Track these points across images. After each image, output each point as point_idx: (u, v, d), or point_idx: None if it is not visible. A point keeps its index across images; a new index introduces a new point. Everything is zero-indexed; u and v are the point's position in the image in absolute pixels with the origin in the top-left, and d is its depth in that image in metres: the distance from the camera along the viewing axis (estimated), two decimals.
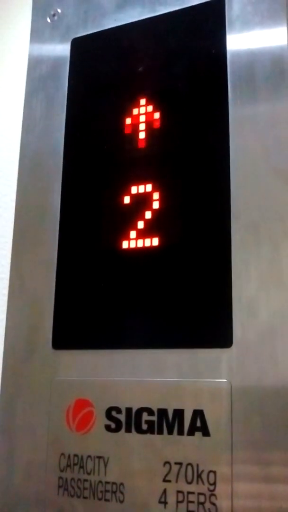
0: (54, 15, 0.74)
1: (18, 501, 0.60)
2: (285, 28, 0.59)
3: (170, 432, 0.55)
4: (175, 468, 0.54)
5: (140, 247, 0.61)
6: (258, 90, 0.59)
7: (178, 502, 0.53)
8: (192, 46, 0.64)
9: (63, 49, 0.72)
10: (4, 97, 0.77)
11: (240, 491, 0.51)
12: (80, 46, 0.71)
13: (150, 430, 0.56)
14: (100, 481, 0.57)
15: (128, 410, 0.57)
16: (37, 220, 0.67)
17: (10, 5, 0.81)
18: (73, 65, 0.71)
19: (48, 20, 0.74)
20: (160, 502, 0.54)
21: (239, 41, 0.61)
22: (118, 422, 0.57)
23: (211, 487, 0.52)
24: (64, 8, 0.74)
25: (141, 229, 0.61)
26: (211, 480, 0.52)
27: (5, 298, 0.66)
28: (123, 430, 0.57)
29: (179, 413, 0.55)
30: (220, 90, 0.61)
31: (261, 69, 0.59)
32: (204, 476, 0.53)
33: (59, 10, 0.74)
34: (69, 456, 0.59)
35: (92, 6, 0.72)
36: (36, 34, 0.75)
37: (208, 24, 0.64)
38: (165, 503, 0.54)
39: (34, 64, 0.74)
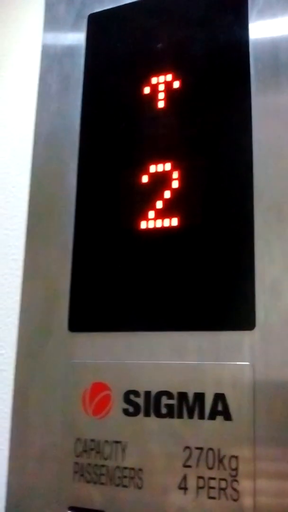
0: None
1: (32, 487, 0.59)
2: None
3: (190, 416, 0.54)
4: (195, 453, 0.53)
5: (159, 228, 0.59)
6: (280, 66, 0.57)
7: (198, 487, 0.52)
8: (212, 24, 0.62)
9: (79, 26, 0.70)
10: (18, 74, 0.75)
11: (263, 476, 0.50)
12: (96, 22, 0.69)
13: (170, 414, 0.54)
14: (118, 467, 0.56)
15: (147, 393, 0.56)
16: (52, 200, 0.66)
17: None
18: (90, 42, 0.69)
19: None
20: (180, 488, 0.52)
21: (262, 21, 0.59)
22: (136, 406, 0.56)
23: (233, 472, 0.51)
24: None
25: (160, 209, 0.60)
26: (233, 465, 0.51)
27: (19, 280, 0.65)
28: (141, 414, 0.56)
29: (199, 397, 0.54)
30: (242, 66, 0.59)
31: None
32: (225, 461, 0.51)
33: None
34: (85, 441, 0.58)
35: None
36: (51, 10, 0.73)
37: (230, 2, 0.62)
38: (185, 488, 0.52)
39: (49, 41, 0.72)
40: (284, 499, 0.48)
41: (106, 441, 0.56)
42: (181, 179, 0.59)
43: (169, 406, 0.55)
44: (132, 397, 0.56)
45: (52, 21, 0.72)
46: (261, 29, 0.59)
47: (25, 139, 0.70)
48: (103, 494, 0.56)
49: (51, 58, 0.71)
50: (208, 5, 0.63)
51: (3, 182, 0.72)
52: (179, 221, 0.58)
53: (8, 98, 0.75)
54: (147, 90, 0.63)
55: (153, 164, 0.61)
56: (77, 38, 0.70)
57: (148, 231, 0.59)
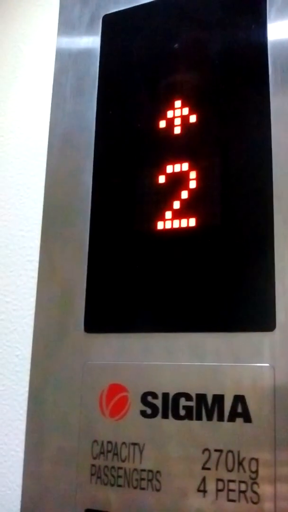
0: None
1: (48, 490, 0.58)
2: None
3: (209, 418, 0.53)
4: (214, 455, 0.52)
5: (176, 228, 0.59)
6: None
7: (218, 490, 0.51)
8: (230, 24, 0.62)
9: (94, 27, 0.70)
10: (33, 76, 0.75)
11: (283, 479, 0.49)
12: (111, 22, 0.69)
13: (188, 416, 0.54)
14: (136, 469, 0.55)
15: (165, 395, 0.55)
16: (67, 201, 0.65)
17: None
18: (105, 43, 0.69)
19: None
20: (199, 490, 0.52)
21: (281, 21, 0.59)
22: (154, 407, 0.55)
23: (253, 475, 0.50)
24: None
25: (177, 210, 0.59)
26: (253, 468, 0.50)
27: (35, 281, 0.65)
28: (159, 416, 0.55)
29: (219, 399, 0.53)
30: (261, 67, 0.59)
31: None
32: (245, 463, 0.51)
33: None
34: (102, 443, 0.57)
35: None
36: (65, 12, 0.73)
37: (248, 1, 0.62)
38: (204, 491, 0.52)
39: (64, 42, 0.72)
40: None
41: (124, 443, 0.56)
42: (198, 179, 0.59)
43: (187, 408, 0.54)
44: (149, 398, 0.56)
45: (66, 22, 0.72)
46: (279, 29, 0.59)
47: (40, 140, 0.70)
48: (121, 496, 0.55)
49: (66, 59, 0.70)
50: (225, 5, 0.62)
51: (18, 183, 0.72)
52: (197, 222, 0.58)
53: (23, 99, 0.75)
54: (164, 90, 0.63)
55: (170, 164, 0.60)
56: (92, 38, 0.69)
57: (165, 231, 0.59)
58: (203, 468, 0.52)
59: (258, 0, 0.60)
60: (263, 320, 0.53)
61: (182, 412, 0.54)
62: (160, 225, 0.60)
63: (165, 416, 0.55)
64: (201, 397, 0.54)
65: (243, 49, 0.60)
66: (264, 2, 0.60)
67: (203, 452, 0.53)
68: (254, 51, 0.59)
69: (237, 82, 0.60)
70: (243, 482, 0.50)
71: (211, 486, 0.52)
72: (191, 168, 0.60)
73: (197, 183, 0.59)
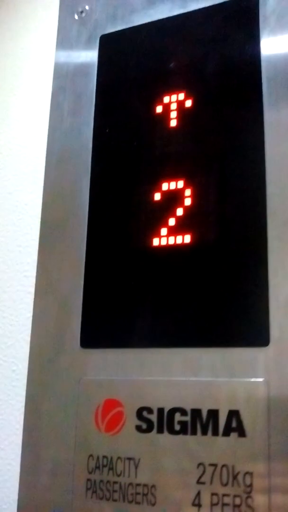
0: (81, 12, 0.73)
1: (44, 504, 0.58)
2: None
3: (204, 432, 0.53)
4: (209, 469, 0.52)
5: (172, 245, 0.59)
6: None
7: (212, 504, 0.52)
8: (224, 44, 0.63)
9: (91, 46, 0.71)
10: (30, 93, 0.76)
11: (278, 492, 0.50)
12: (108, 42, 0.70)
13: (183, 431, 0.54)
14: (131, 483, 0.55)
15: (160, 410, 0.56)
16: (64, 217, 0.66)
17: (37, 2, 0.80)
18: (102, 62, 0.70)
19: (76, 17, 0.73)
20: (193, 504, 0.52)
21: (274, 39, 0.60)
22: (149, 422, 0.56)
23: (248, 489, 0.50)
24: (92, 4, 0.73)
25: (172, 227, 0.60)
26: (248, 482, 0.51)
27: (32, 297, 0.65)
28: (154, 430, 0.55)
29: (213, 414, 0.54)
30: (255, 83, 0.60)
31: None
32: (240, 477, 0.51)
33: (86, 7, 0.73)
34: (98, 458, 0.57)
35: (121, 2, 0.71)
36: (64, 31, 0.74)
37: (241, 21, 0.63)
38: (199, 505, 0.52)
39: (62, 60, 0.73)
40: None
41: (119, 458, 0.56)
42: (194, 196, 0.60)
43: (182, 423, 0.55)
44: (145, 413, 0.56)
45: (64, 41, 0.73)
46: (273, 46, 0.60)
47: (38, 157, 0.71)
48: (116, 510, 0.55)
49: (64, 77, 0.71)
50: (219, 24, 0.64)
51: (15, 199, 0.72)
52: (192, 238, 0.59)
53: (21, 117, 0.76)
54: (159, 108, 0.64)
55: (166, 181, 0.61)
56: (90, 57, 0.70)
57: (160, 248, 0.60)
58: (198, 482, 0.52)
59: (251, 18, 0.61)
60: (257, 335, 0.53)
61: (177, 427, 0.55)
62: (155, 242, 0.60)
63: (160, 431, 0.55)
64: (196, 412, 0.54)
65: (237, 65, 0.62)
66: (257, 20, 0.61)
67: (197, 467, 0.53)
68: (248, 67, 0.61)
69: (231, 98, 0.61)
70: (238, 496, 0.51)
71: (205, 500, 0.52)
72: (186, 185, 0.61)
73: (192, 201, 0.60)
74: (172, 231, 0.60)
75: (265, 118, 0.58)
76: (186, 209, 0.60)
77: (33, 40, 0.78)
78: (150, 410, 0.56)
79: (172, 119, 0.63)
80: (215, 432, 0.53)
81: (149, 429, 0.56)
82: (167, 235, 0.60)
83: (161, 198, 0.61)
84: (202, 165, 0.61)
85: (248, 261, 0.56)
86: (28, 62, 0.78)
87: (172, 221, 0.60)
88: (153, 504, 0.54)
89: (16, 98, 0.77)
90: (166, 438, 0.55)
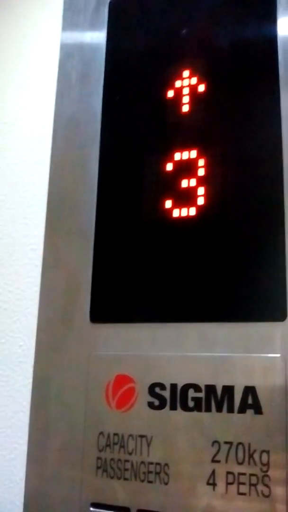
0: None
1: (53, 483, 0.57)
2: None
3: (219, 409, 0.52)
4: (224, 447, 0.51)
5: (185, 216, 0.57)
6: None
7: (228, 483, 0.50)
8: (239, 15, 0.61)
9: (100, 13, 0.68)
10: (37, 61, 0.73)
11: None
12: (118, 9, 0.68)
13: (197, 408, 0.53)
14: (143, 462, 0.54)
15: (173, 386, 0.54)
16: (72, 189, 0.64)
17: None
18: (111, 28, 0.67)
19: None
20: (208, 483, 0.51)
21: None
22: (162, 399, 0.54)
23: (264, 468, 0.49)
24: None
25: (186, 198, 0.58)
26: (264, 461, 0.49)
27: (39, 270, 0.63)
28: (167, 407, 0.54)
29: (228, 390, 0.52)
30: (270, 60, 0.57)
31: None
32: (256, 456, 0.50)
33: None
34: (108, 435, 0.56)
35: None
36: None
37: None
38: (213, 484, 0.51)
39: (69, 28, 0.70)
40: None
41: (131, 435, 0.55)
42: (207, 167, 0.58)
43: (196, 399, 0.53)
44: (157, 390, 0.55)
45: (72, 8, 0.71)
46: None
47: (44, 126, 0.69)
48: (128, 490, 0.54)
49: (71, 45, 0.69)
50: None
51: (21, 170, 0.70)
52: (206, 210, 0.57)
53: (27, 85, 0.74)
54: (171, 78, 0.61)
55: (178, 151, 0.59)
56: (98, 25, 0.68)
57: (173, 220, 0.58)
58: (213, 461, 0.51)
59: None
60: (274, 310, 0.52)
61: (191, 404, 0.53)
62: (168, 214, 0.58)
63: (173, 407, 0.54)
64: (210, 388, 0.53)
65: (253, 43, 0.59)
66: None
67: (212, 445, 0.51)
68: (264, 46, 0.58)
69: (247, 74, 0.59)
70: (254, 475, 0.49)
71: (221, 479, 0.51)
72: (199, 155, 0.59)
73: (206, 171, 0.58)
74: (186, 203, 0.58)
75: (282, 93, 0.56)
76: (200, 180, 0.58)
77: (40, 7, 0.76)
78: (162, 386, 0.55)
79: (185, 87, 0.61)
80: (231, 409, 0.52)
81: (161, 406, 0.54)
82: (180, 207, 0.58)
83: (173, 168, 0.59)
84: (216, 135, 0.59)
85: (264, 234, 0.54)
86: (35, 29, 0.75)
87: (186, 193, 0.58)
88: (166, 483, 0.52)
89: (21, 65, 0.75)
90: (179, 415, 0.53)
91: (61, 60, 0.70)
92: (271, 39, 0.58)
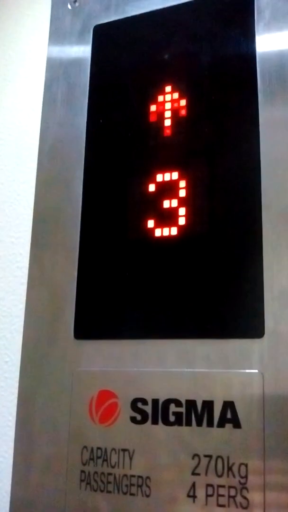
0: (75, 1, 0.72)
1: (38, 496, 0.58)
2: None
3: (199, 424, 0.53)
4: (204, 460, 0.52)
5: (166, 236, 0.59)
6: None
7: (207, 495, 0.52)
8: (218, 35, 0.63)
9: (85, 37, 0.70)
10: (23, 84, 0.75)
11: (273, 484, 0.50)
12: (102, 33, 0.70)
13: (178, 422, 0.54)
14: (125, 475, 0.55)
15: (155, 401, 0.56)
16: (57, 208, 0.66)
17: None
18: (96, 52, 0.69)
19: (69, 6, 0.73)
20: (188, 496, 0.52)
21: (269, 33, 0.60)
22: (144, 413, 0.56)
23: (243, 480, 0.51)
24: None
25: (167, 218, 0.60)
26: (243, 473, 0.51)
27: (24, 288, 0.65)
28: (149, 422, 0.55)
29: (208, 405, 0.54)
30: (250, 78, 0.60)
31: None
32: (235, 469, 0.51)
33: None
34: (92, 449, 0.57)
35: None
36: (57, 21, 0.73)
37: (236, 13, 0.63)
38: (194, 497, 0.52)
39: (55, 50, 0.72)
40: None
41: (113, 449, 0.56)
42: (188, 188, 0.60)
43: (177, 414, 0.54)
44: (139, 405, 0.56)
45: (57, 32, 0.73)
46: (268, 42, 0.60)
47: (31, 147, 0.70)
48: (110, 502, 0.55)
49: (57, 68, 0.71)
50: (214, 18, 0.63)
51: (8, 190, 0.72)
52: (186, 230, 0.58)
53: (14, 107, 0.75)
54: (153, 101, 0.63)
55: (160, 173, 0.61)
56: (83, 48, 0.70)
57: (155, 239, 0.60)
58: (193, 473, 0.53)
59: (246, 15, 0.61)
60: (252, 327, 0.54)
61: (172, 418, 0.55)
62: (150, 233, 0.60)
63: (155, 422, 0.55)
64: (191, 403, 0.54)
65: (233, 61, 0.61)
66: (252, 16, 0.61)
67: (192, 458, 0.53)
68: (244, 63, 0.60)
69: (226, 93, 0.61)
70: (233, 487, 0.51)
71: (200, 492, 0.52)
72: (180, 177, 0.60)
73: (187, 192, 0.60)
74: (167, 223, 0.59)
75: (260, 112, 0.58)
76: (181, 200, 0.60)
77: (26, 30, 0.78)
78: (144, 401, 0.56)
79: (166, 110, 0.63)
80: (210, 423, 0.53)
81: (143, 420, 0.56)
82: (161, 226, 0.60)
83: (156, 189, 0.61)
84: (197, 156, 0.61)
85: (243, 253, 0.56)
86: (21, 52, 0.77)
87: (166, 213, 0.60)
88: (148, 496, 0.54)
89: (8, 87, 0.76)
90: (160, 429, 0.55)
91: (47, 82, 0.72)
92: (250, 56, 0.60)
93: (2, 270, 0.69)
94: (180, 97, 0.63)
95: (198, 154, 0.61)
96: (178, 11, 0.66)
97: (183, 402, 0.55)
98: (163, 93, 0.64)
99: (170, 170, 0.61)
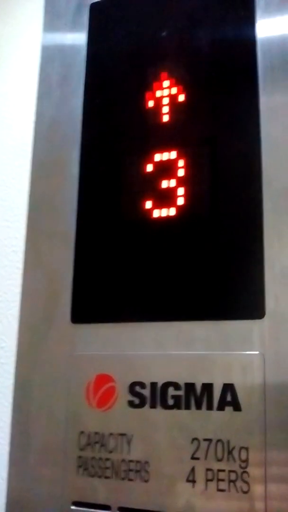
0: None
1: (35, 482, 0.57)
2: None
3: (198, 407, 0.52)
4: (204, 444, 0.51)
5: (165, 217, 0.58)
6: None
7: (207, 480, 0.51)
8: (218, 18, 0.62)
9: (81, 15, 0.69)
10: (18, 64, 0.74)
11: (274, 468, 0.49)
12: (99, 11, 0.69)
13: (177, 406, 0.53)
14: (123, 460, 0.54)
15: (153, 385, 0.55)
16: (53, 191, 0.64)
17: None
18: (92, 31, 0.68)
19: None
20: (188, 480, 0.51)
21: (269, 18, 0.59)
22: (142, 397, 0.55)
23: (243, 464, 0.50)
24: None
25: (165, 198, 0.58)
26: (243, 457, 0.50)
27: (20, 272, 0.64)
28: (147, 405, 0.54)
29: (208, 387, 0.53)
30: (250, 61, 0.58)
31: None
32: (235, 453, 0.50)
33: None
34: (89, 434, 0.56)
35: None
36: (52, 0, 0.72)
37: None
38: (193, 481, 0.51)
39: (50, 30, 0.71)
40: None
41: (111, 434, 0.55)
42: (187, 167, 0.58)
43: (176, 397, 0.53)
44: (137, 388, 0.55)
45: (53, 11, 0.71)
46: (268, 26, 0.58)
47: (25, 129, 0.69)
48: (108, 488, 0.54)
49: (52, 47, 0.70)
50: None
51: (3, 173, 0.71)
52: (185, 209, 0.57)
53: (8, 88, 0.74)
54: (151, 81, 0.62)
55: (158, 152, 0.60)
56: (79, 26, 0.68)
57: (153, 220, 0.58)
58: (192, 458, 0.52)
59: None
60: (252, 307, 0.52)
61: (170, 402, 0.54)
62: (148, 214, 0.59)
63: (153, 406, 0.54)
64: (190, 386, 0.53)
65: (232, 43, 0.60)
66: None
67: (192, 442, 0.52)
68: (243, 46, 0.59)
69: (226, 74, 0.60)
70: (233, 471, 0.50)
71: (200, 476, 0.51)
72: (179, 156, 0.59)
73: (185, 172, 0.58)
74: (165, 203, 0.58)
75: (261, 95, 0.57)
76: (180, 180, 0.59)
77: (20, 10, 0.76)
78: (142, 385, 0.55)
79: (165, 88, 0.61)
80: (210, 406, 0.52)
81: (141, 404, 0.55)
82: (160, 207, 0.58)
83: (154, 169, 0.60)
84: (196, 136, 0.60)
85: (243, 233, 0.55)
86: (16, 31, 0.76)
87: (165, 193, 0.59)
88: (146, 481, 0.53)
89: (2, 69, 0.75)
90: (159, 413, 0.54)
91: (42, 63, 0.70)
92: (250, 41, 0.59)
93: None
94: (178, 78, 0.61)
95: (197, 133, 0.60)
96: None
97: (182, 385, 0.53)
98: (161, 73, 0.63)
99: (168, 149, 0.59)
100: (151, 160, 0.60)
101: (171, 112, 0.61)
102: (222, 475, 0.50)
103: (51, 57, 0.69)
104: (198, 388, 0.53)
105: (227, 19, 0.61)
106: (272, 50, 0.58)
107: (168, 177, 0.59)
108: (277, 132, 0.56)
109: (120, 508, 0.53)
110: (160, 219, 0.58)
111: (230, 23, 0.61)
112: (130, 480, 0.53)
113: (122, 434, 0.55)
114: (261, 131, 0.56)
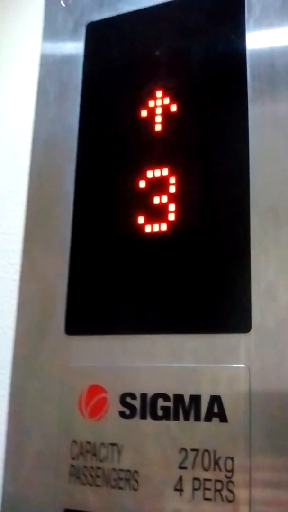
0: None
1: (29, 489, 0.59)
2: None
3: (186, 418, 0.54)
4: (191, 454, 0.53)
5: (156, 232, 0.60)
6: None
7: (194, 489, 0.52)
8: (210, 33, 0.63)
9: (78, 34, 0.71)
10: (16, 81, 0.75)
11: (258, 478, 0.50)
12: (95, 30, 0.70)
13: (166, 416, 0.55)
14: (114, 469, 0.56)
15: (143, 396, 0.56)
16: (50, 205, 0.66)
17: None
18: (88, 50, 0.70)
19: (62, 3, 0.73)
20: (175, 489, 0.53)
21: (259, 30, 0.61)
22: (132, 408, 0.56)
23: (229, 474, 0.51)
24: None
25: (157, 214, 0.60)
26: (229, 467, 0.51)
27: (16, 284, 0.65)
28: (138, 416, 0.56)
29: (195, 399, 0.54)
30: (239, 74, 0.60)
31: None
32: (221, 462, 0.51)
33: None
34: (81, 444, 0.58)
35: None
36: (50, 18, 0.74)
37: (227, 9, 0.63)
38: (180, 490, 0.52)
39: (48, 48, 0.73)
40: (280, 497, 0.48)
41: (102, 444, 0.57)
42: (178, 184, 0.60)
43: (165, 408, 0.55)
44: (128, 399, 0.56)
45: (50, 29, 0.73)
46: (258, 38, 0.60)
47: (23, 144, 0.71)
48: (99, 496, 0.56)
49: (50, 65, 0.71)
50: (205, 15, 0.64)
51: (0, 186, 0.72)
52: (176, 225, 0.59)
53: (7, 104, 0.76)
54: (145, 97, 0.64)
55: (150, 169, 0.61)
56: (76, 45, 0.70)
57: (145, 235, 0.60)
58: (180, 467, 0.53)
59: (237, 10, 0.61)
60: (239, 322, 0.54)
61: (160, 413, 0.55)
62: (140, 229, 0.60)
63: (143, 416, 0.56)
64: (178, 398, 0.55)
65: (223, 57, 0.62)
66: (242, 12, 0.61)
67: (180, 452, 0.53)
68: (233, 60, 0.61)
69: (216, 89, 0.61)
70: (219, 481, 0.51)
71: (187, 485, 0.52)
72: (171, 173, 0.61)
73: (177, 188, 0.60)
74: (157, 219, 0.60)
75: (249, 109, 0.59)
76: (171, 196, 0.60)
77: (20, 27, 0.78)
78: (133, 396, 0.56)
79: (157, 107, 0.63)
80: (197, 417, 0.53)
81: (132, 415, 0.56)
82: (152, 223, 0.60)
83: (146, 186, 0.61)
84: (187, 153, 0.62)
85: (231, 248, 0.56)
86: (15, 49, 0.77)
87: (156, 209, 0.60)
88: (136, 490, 0.54)
89: (1, 84, 0.77)
90: (149, 423, 0.55)
91: (39, 79, 0.72)
92: (240, 54, 0.61)
93: None
94: (171, 94, 0.63)
95: (188, 150, 0.61)
96: (169, 8, 0.67)
97: (171, 396, 0.55)
98: (155, 89, 0.64)
99: (160, 166, 0.61)
100: (143, 177, 0.62)
101: (163, 129, 0.63)
102: (208, 484, 0.52)
103: (48, 74, 0.71)
104: (187, 399, 0.54)
105: (219, 33, 0.63)
106: (261, 62, 0.59)
107: (160, 193, 0.60)
108: (264, 147, 0.57)
109: None
110: (152, 234, 0.60)
111: (221, 37, 0.62)
112: (120, 488, 0.55)
113: (113, 444, 0.56)
114: (249, 146, 0.58)
